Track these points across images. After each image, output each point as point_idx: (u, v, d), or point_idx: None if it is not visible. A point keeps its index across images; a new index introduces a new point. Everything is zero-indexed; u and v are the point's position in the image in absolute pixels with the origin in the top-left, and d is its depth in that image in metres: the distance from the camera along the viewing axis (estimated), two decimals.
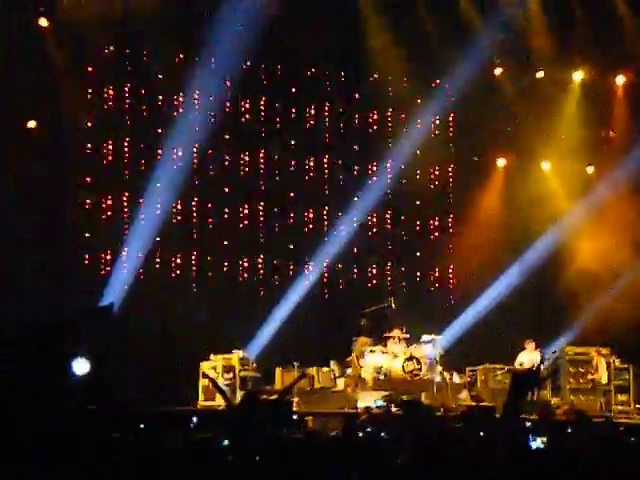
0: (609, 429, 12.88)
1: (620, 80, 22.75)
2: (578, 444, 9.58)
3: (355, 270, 22.77)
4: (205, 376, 18.53)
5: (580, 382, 20.27)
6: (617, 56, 22.32)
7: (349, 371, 19.73)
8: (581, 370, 20.42)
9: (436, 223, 23.49)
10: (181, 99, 21.10)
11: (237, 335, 20.18)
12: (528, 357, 19.91)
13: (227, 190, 21.82)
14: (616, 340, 20.78)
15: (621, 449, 9.53)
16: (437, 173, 23.46)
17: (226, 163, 21.84)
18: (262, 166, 22.13)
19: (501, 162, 23.67)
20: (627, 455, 9.19)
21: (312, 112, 22.49)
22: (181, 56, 21.15)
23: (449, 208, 23.64)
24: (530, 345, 19.95)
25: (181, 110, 20.99)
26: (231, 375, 18.92)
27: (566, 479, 8.23)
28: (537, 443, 10.02)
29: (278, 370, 19.54)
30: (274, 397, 17.40)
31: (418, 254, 23.35)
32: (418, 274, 23.29)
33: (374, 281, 22.87)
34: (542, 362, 19.58)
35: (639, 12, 21.50)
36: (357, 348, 19.61)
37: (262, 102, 22.03)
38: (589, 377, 20.17)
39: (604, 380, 20.05)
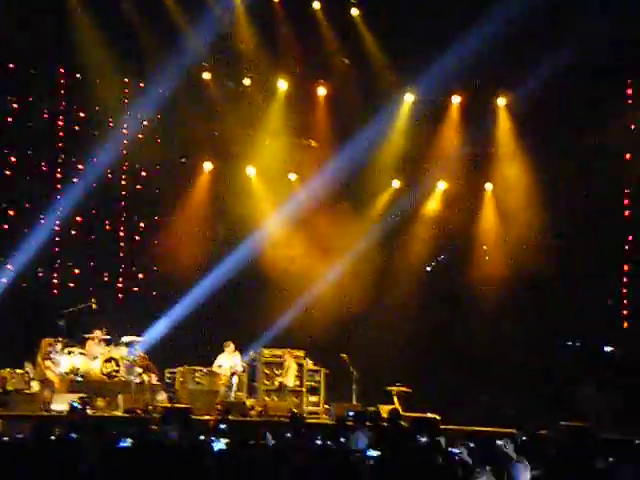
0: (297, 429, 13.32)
1: (321, 91, 23.54)
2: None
3: (55, 270, 22.18)
4: None
5: (273, 384, 20.87)
6: (318, 67, 23.12)
7: (34, 374, 19.17)
8: (276, 372, 21.02)
9: (141, 224, 23.34)
10: None
11: None
12: (227, 359, 20.26)
13: None
14: (309, 343, 21.57)
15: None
16: (143, 174, 23.31)
17: None
18: None
19: (208, 165, 23.89)
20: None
21: (15, 105, 21.69)
22: None
23: (155, 209, 23.56)
24: (229, 347, 20.32)
25: None
26: None
27: None
28: (220, 445, 10.19)
29: None
30: None
31: (122, 254, 23.09)
32: (121, 275, 23.03)
33: (75, 281, 22.36)
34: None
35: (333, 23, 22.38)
36: (41, 349, 19.08)
37: None
38: (278, 379, 20.80)
39: (291, 382, 20.72)
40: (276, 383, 20.79)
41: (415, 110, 23.38)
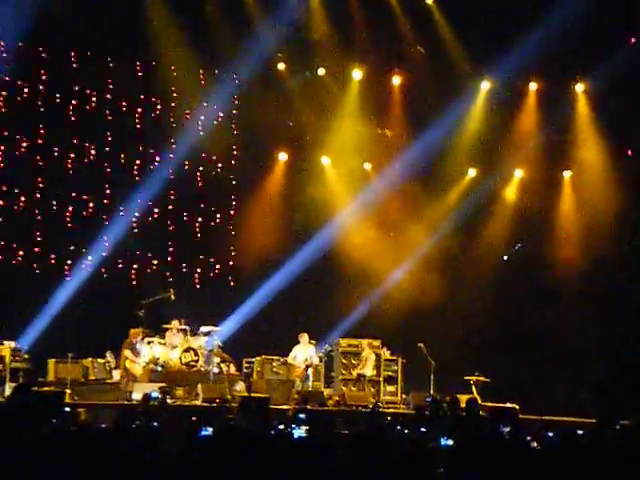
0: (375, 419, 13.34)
1: (396, 80, 23.46)
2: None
3: (135, 260, 22.46)
4: None
5: (351, 374, 20.89)
6: (393, 57, 23.06)
7: (117, 363, 19.44)
8: (353, 362, 21.05)
9: (218, 215, 23.50)
10: None
11: (8, 325, 19.56)
12: (303, 351, 20.29)
13: (2, 178, 21.08)
14: (386, 333, 21.53)
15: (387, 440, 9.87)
16: (219, 164, 23.47)
17: (1, 147, 21.08)
18: (40, 154, 21.48)
19: (283, 155, 23.97)
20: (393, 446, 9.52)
21: (94, 97, 22.01)
22: None
23: (231, 199, 23.70)
24: (303, 338, 20.35)
25: None
26: (0, 367, 18.35)
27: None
28: (300, 432, 10.22)
29: (51, 361, 19.10)
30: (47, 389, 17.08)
31: (200, 246, 23.29)
32: (198, 265, 23.22)
33: (154, 271, 22.61)
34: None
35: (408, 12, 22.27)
36: (127, 340, 19.35)
37: (40, 85, 21.39)
38: (356, 370, 20.80)
39: (369, 372, 20.69)
40: (354, 373, 20.81)
41: (491, 97, 23.21)
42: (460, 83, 22.87)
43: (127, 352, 19.01)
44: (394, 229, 23.43)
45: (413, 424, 11.93)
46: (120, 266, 22.24)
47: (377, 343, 21.21)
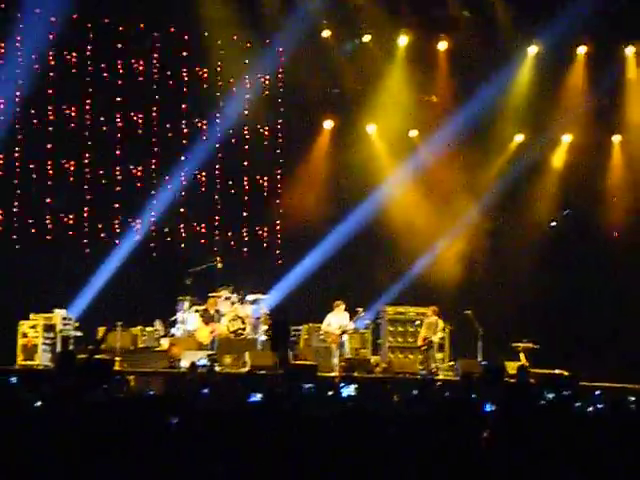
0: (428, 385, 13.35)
1: (442, 46, 23.25)
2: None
3: (182, 228, 22.58)
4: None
5: (399, 341, 20.86)
6: (439, 22, 22.85)
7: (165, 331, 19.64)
8: (400, 329, 21.00)
9: (264, 182, 23.51)
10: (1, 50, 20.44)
11: (59, 294, 19.81)
12: (337, 318, 20.21)
13: (51, 145, 21.25)
14: (433, 300, 21.43)
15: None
16: (266, 132, 23.46)
17: (50, 117, 21.25)
18: (89, 121, 21.63)
19: (328, 123, 23.89)
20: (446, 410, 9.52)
21: (141, 67, 22.08)
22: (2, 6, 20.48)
23: (277, 167, 23.70)
24: (339, 307, 20.23)
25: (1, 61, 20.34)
26: (52, 334, 18.60)
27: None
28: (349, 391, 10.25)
29: (101, 329, 19.29)
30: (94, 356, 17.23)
31: (246, 213, 23.34)
32: (245, 233, 23.29)
33: (201, 239, 22.73)
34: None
35: None
36: (211, 304, 19.61)
37: (88, 55, 21.49)
38: (425, 335, 20.49)
39: (437, 338, 20.44)
40: (419, 340, 20.48)
41: (539, 62, 22.92)
42: (507, 47, 22.63)
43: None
44: (440, 196, 23.28)
45: (461, 390, 11.89)
46: (168, 235, 22.37)
47: (425, 310, 21.13)
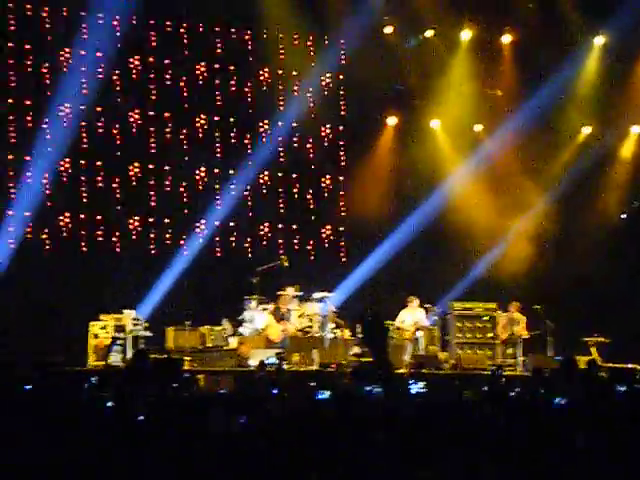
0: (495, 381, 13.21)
1: (506, 39, 23.04)
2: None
3: (247, 229, 22.66)
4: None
5: (467, 337, 20.71)
6: (503, 15, 22.65)
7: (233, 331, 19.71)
8: (469, 325, 20.84)
9: (327, 181, 23.51)
10: (67, 55, 20.68)
11: (129, 294, 20.00)
12: (411, 314, 20.13)
13: (116, 149, 21.46)
14: (501, 295, 21.25)
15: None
16: (328, 131, 23.46)
17: (115, 122, 21.45)
18: (152, 125, 21.80)
19: (392, 120, 23.81)
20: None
21: (203, 70, 22.20)
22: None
23: (341, 165, 23.68)
24: (413, 303, 20.17)
25: (67, 67, 20.61)
26: (122, 335, 18.78)
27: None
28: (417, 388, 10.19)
29: (170, 329, 19.44)
30: (165, 356, 17.38)
31: (310, 212, 23.36)
32: (311, 232, 23.31)
33: (266, 239, 22.79)
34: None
35: None
36: (282, 302, 19.72)
37: (151, 59, 21.65)
38: (513, 330, 20.34)
39: (525, 334, 20.29)
40: (503, 335, 20.34)
41: (606, 53, 22.60)
42: (573, 39, 22.36)
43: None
44: (507, 190, 23.06)
45: (532, 386, 11.75)
46: (234, 235, 22.47)
47: (493, 305, 20.97)
